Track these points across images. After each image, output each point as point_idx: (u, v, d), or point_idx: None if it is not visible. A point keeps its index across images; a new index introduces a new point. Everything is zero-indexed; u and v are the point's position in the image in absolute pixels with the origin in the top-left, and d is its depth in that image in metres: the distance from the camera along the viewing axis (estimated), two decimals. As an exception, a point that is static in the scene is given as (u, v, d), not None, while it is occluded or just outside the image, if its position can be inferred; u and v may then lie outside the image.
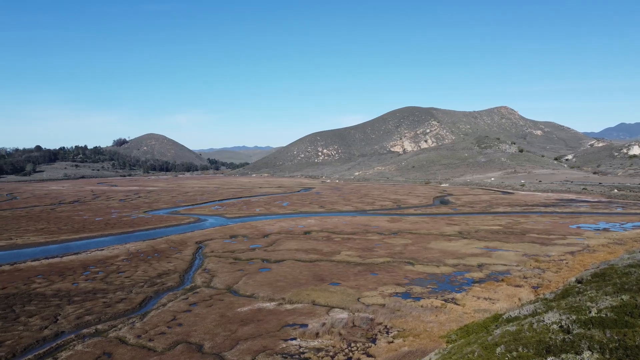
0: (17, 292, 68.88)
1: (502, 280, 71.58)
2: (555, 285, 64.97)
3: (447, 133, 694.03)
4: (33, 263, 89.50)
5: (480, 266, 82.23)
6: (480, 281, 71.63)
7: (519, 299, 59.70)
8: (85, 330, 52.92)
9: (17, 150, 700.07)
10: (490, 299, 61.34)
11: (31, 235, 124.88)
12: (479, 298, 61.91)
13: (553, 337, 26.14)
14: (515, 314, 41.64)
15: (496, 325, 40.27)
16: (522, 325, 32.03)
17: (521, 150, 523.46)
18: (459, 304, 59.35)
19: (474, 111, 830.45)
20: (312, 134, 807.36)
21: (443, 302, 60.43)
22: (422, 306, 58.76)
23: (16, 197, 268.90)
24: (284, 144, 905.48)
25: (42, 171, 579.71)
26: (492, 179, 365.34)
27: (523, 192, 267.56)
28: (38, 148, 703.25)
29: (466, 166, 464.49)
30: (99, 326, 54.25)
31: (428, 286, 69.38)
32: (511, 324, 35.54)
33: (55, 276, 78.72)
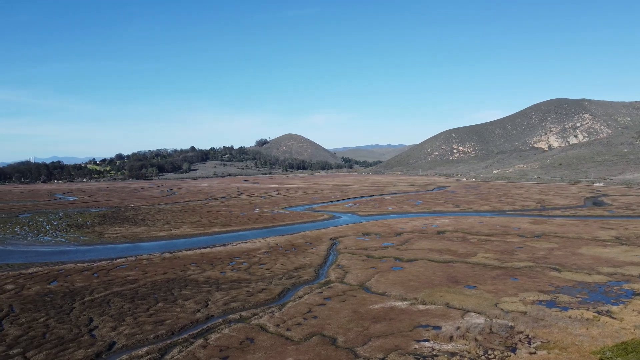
0: (175, 278, 77.95)
1: (671, 294, 62.35)
2: None
3: (602, 126, 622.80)
4: (188, 252, 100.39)
5: (642, 277, 72.53)
6: (642, 294, 63.27)
7: (693, 318, 51.54)
8: (231, 316, 57.88)
9: (175, 151, 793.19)
10: (655, 314, 53.87)
11: (186, 227, 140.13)
12: (640, 313, 54.75)
13: None
14: (688, 335, 36.03)
15: (662, 346, 35.28)
16: (697, 348, 27.61)
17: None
18: (615, 318, 53.11)
19: (636, 101, 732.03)
20: (447, 130, 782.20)
21: (595, 314, 54.57)
22: (570, 317, 53.68)
23: (175, 192, 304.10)
24: (417, 142, 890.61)
25: (196, 169, 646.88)
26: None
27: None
28: (192, 149, 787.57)
29: (625, 163, 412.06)
30: (243, 313, 58.92)
31: (577, 296, 63.19)
32: (682, 345, 30.85)
33: (206, 265, 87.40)
